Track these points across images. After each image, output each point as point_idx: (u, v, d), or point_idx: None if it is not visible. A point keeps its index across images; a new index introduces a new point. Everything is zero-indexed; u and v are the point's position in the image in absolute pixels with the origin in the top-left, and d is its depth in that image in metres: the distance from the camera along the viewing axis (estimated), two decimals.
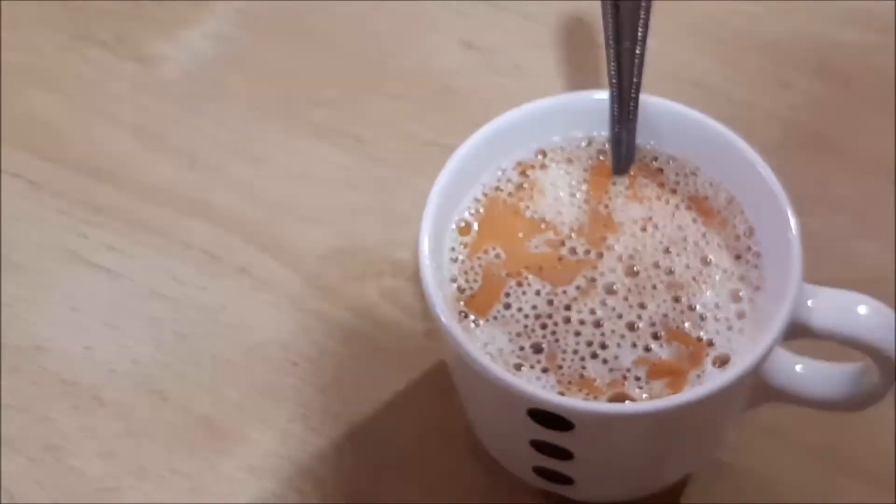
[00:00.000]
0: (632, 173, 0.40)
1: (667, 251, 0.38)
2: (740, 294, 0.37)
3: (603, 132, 0.41)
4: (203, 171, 0.53)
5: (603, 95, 0.41)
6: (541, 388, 0.35)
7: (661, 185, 0.40)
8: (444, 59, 0.56)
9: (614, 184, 0.40)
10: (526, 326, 0.37)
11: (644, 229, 0.39)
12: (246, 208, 0.52)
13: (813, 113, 0.52)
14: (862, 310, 0.35)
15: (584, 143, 0.41)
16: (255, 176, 0.53)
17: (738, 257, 0.38)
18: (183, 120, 0.55)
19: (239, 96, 0.56)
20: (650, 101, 0.40)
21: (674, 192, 0.40)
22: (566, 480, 0.39)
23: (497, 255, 0.39)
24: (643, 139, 0.41)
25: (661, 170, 0.40)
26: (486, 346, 0.37)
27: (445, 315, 0.36)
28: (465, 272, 0.38)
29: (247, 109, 0.55)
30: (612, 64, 0.41)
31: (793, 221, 0.36)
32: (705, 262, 0.38)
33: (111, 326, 0.49)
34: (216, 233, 0.51)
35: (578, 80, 0.55)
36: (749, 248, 0.38)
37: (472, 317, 0.37)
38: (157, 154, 0.54)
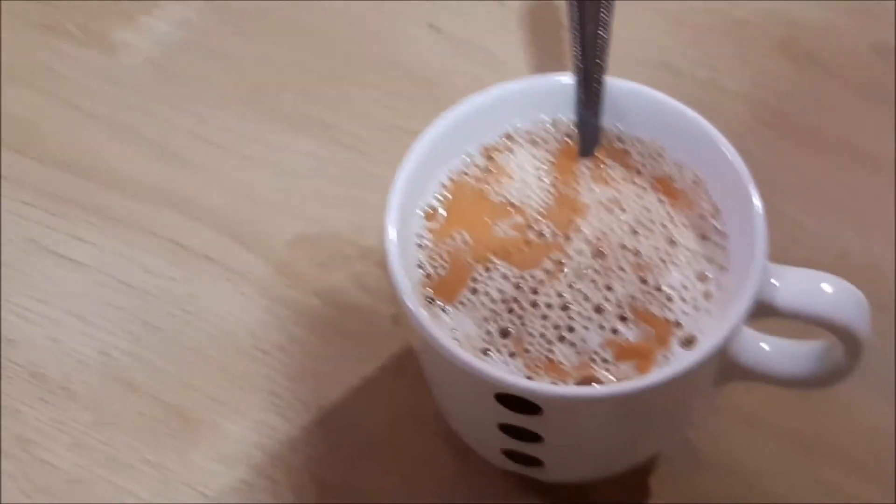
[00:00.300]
0: (598, 155, 0.40)
1: (634, 232, 0.38)
2: (707, 274, 0.37)
3: (569, 115, 0.41)
4: (170, 159, 0.53)
5: (568, 79, 0.41)
6: (508, 373, 0.35)
7: (627, 166, 0.40)
8: (412, 44, 0.56)
9: (581, 166, 0.40)
10: (493, 311, 0.37)
11: (610, 211, 0.39)
12: (214, 197, 0.52)
13: (779, 92, 0.53)
14: (826, 288, 0.35)
15: (550, 126, 0.41)
16: (222, 164, 0.53)
17: (704, 238, 0.38)
18: (150, 109, 0.55)
19: (206, 84, 0.56)
20: (615, 84, 0.40)
21: (640, 173, 0.40)
22: (536, 462, 0.39)
23: (464, 240, 0.39)
24: (609, 121, 0.41)
25: (627, 151, 0.40)
26: (453, 331, 0.37)
27: (412, 301, 0.36)
28: (432, 258, 0.38)
29: (214, 97, 0.55)
30: (577, 47, 0.41)
31: (757, 202, 0.36)
32: (672, 242, 0.38)
33: (79, 318, 0.49)
34: (184, 222, 0.51)
35: (547, 63, 0.55)
36: (715, 229, 0.38)
37: (439, 302, 0.37)
38: (124, 144, 0.54)
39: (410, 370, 0.43)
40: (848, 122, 0.52)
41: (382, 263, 0.47)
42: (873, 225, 0.49)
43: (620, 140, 0.41)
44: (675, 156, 0.40)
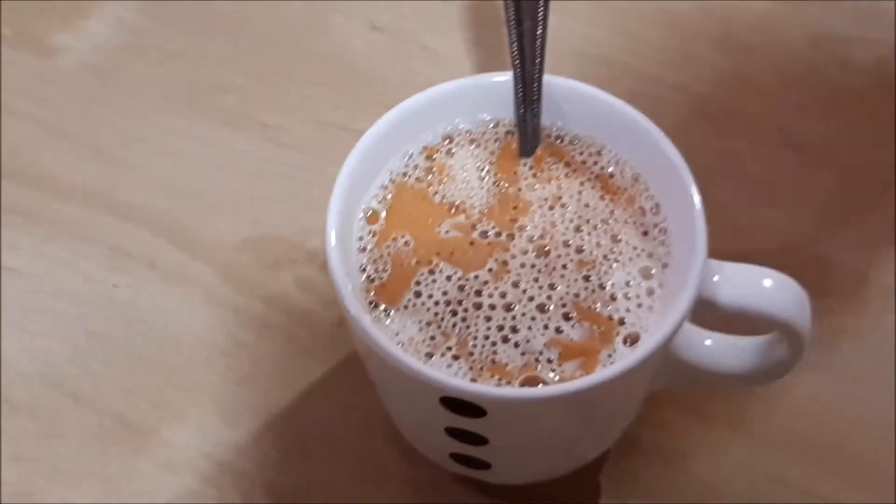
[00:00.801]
0: (538, 154, 0.40)
1: (577, 230, 0.38)
2: (651, 272, 0.37)
3: (509, 114, 0.41)
4: (109, 163, 0.52)
5: (507, 77, 0.40)
6: (452, 376, 0.35)
7: (568, 164, 0.40)
8: (352, 42, 0.56)
9: (522, 165, 0.40)
10: (436, 314, 0.37)
11: (552, 209, 0.39)
12: (154, 200, 0.51)
13: (718, 84, 0.53)
14: (767, 283, 0.35)
15: (490, 126, 0.41)
16: (162, 167, 0.52)
17: (645, 234, 0.38)
18: (87, 111, 0.54)
19: (143, 85, 0.55)
20: (554, 81, 0.40)
21: (580, 171, 0.40)
22: (483, 465, 0.39)
23: (406, 243, 0.38)
24: (549, 119, 0.40)
25: (567, 149, 0.40)
26: (397, 335, 0.36)
27: (354, 306, 0.35)
28: (374, 261, 0.38)
29: (152, 98, 0.54)
30: (514, 45, 0.40)
31: (696, 198, 0.36)
32: (615, 239, 0.38)
33: (20, 328, 0.48)
34: (124, 227, 0.50)
35: (488, 60, 0.55)
36: (656, 225, 0.38)
37: (382, 306, 0.37)
38: (61, 148, 0.53)
39: (358, 374, 0.43)
40: (787, 114, 0.52)
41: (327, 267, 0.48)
42: (814, 217, 0.49)
43: (560, 138, 0.40)
44: (615, 152, 0.40)
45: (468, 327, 0.36)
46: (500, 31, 0.55)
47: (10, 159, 0.52)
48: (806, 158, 0.51)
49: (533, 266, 0.37)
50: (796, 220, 0.49)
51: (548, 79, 0.40)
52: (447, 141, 0.40)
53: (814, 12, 0.55)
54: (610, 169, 0.40)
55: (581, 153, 0.40)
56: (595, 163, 0.40)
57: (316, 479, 0.44)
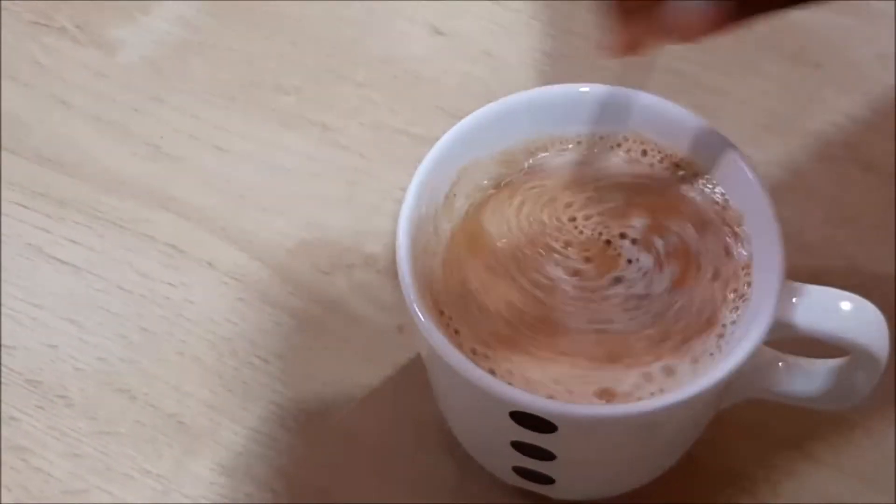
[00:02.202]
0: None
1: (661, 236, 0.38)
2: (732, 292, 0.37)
3: (591, 128, 0.40)
4: (166, 161, 0.52)
5: (590, 88, 0.40)
6: (525, 392, 0.34)
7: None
8: (412, 45, 0.55)
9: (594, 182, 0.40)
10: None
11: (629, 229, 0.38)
12: (211, 200, 0.51)
13: (785, 100, 0.52)
14: (846, 307, 0.35)
15: (570, 142, 0.40)
16: (219, 166, 0.52)
17: (727, 254, 0.37)
18: (145, 108, 0.54)
19: (202, 83, 0.55)
20: (637, 96, 0.40)
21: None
22: (547, 480, 0.39)
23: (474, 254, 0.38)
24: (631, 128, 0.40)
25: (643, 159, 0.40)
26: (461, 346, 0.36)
27: (423, 314, 0.35)
28: (442, 269, 0.37)
29: (210, 97, 0.54)
30: None
31: (776, 222, 0.36)
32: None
33: (75, 323, 0.48)
34: (181, 225, 0.50)
35: (550, 68, 0.54)
36: (739, 244, 0.38)
37: (448, 315, 0.36)
38: (119, 144, 0.53)
39: (414, 380, 0.43)
40: (855, 133, 0.51)
41: (385, 271, 0.47)
42: (882, 235, 0.49)
43: (644, 152, 0.40)
44: (702, 172, 0.39)
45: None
46: (562, 39, 0.55)
47: (67, 153, 0.52)
48: (874, 176, 0.50)
49: (608, 283, 0.37)
50: (864, 238, 0.48)
51: (632, 92, 0.40)
52: (524, 153, 0.40)
53: (884, 30, 0.54)
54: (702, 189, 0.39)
55: (660, 162, 0.39)
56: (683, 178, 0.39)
57: (369, 485, 0.44)
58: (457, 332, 0.36)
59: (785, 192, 0.49)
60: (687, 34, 0.34)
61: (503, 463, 0.39)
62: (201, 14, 0.57)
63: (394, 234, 0.36)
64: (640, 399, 0.34)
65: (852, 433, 0.44)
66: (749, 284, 0.36)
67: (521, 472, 0.39)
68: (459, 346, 0.35)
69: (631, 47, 0.35)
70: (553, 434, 0.34)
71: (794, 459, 0.44)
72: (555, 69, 0.54)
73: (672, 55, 0.51)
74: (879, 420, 0.44)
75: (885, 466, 0.44)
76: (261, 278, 0.49)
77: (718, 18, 0.34)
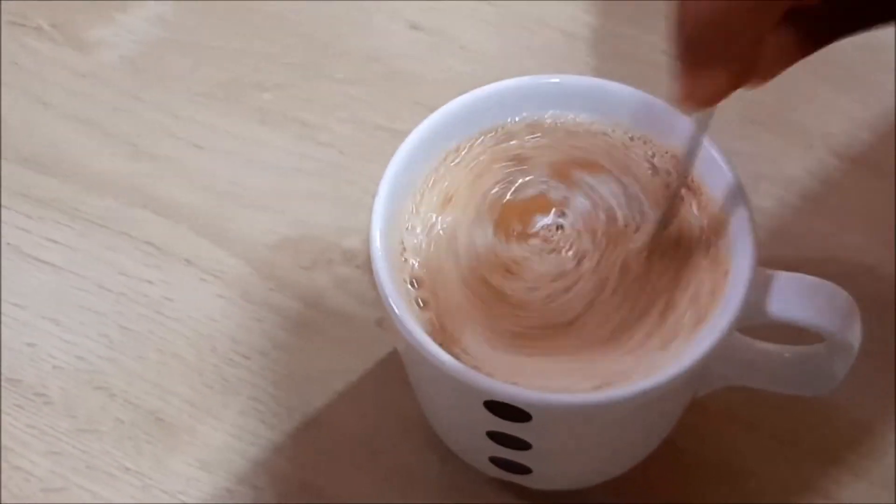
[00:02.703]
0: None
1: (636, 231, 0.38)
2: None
3: (559, 114, 0.40)
4: (146, 159, 0.52)
5: (558, 79, 0.40)
6: (497, 381, 0.34)
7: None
8: (391, 41, 0.56)
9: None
10: None
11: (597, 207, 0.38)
12: (191, 197, 0.51)
13: (765, 90, 0.52)
14: (818, 294, 0.35)
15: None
16: (199, 164, 0.52)
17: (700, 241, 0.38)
18: (124, 107, 0.54)
19: (181, 81, 0.55)
20: (609, 87, 0.40)
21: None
22: (524, 470, 0.39)
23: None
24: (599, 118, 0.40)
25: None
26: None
27: (399, 307, 0.35)
28: (418, 261, 0.37)
29: (189, 95, 0.54)
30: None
31: (749, 209, 0.36)
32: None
33: (55, 322, 0.48)
34: (161, 223, 0.50)
35: (528, 61, 0.54)
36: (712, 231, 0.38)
37: (424, 307, 0.37)
38: (98, 143, 0.53)
39: (395, 374, 0.43)
40: (834, 123, 0.51)
41: (366, 266, 0.47)
42: (861, 225, 0.49)
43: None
44: (670, 155, 0.39)
45: None
46: (539, 32, 0.55)
47: (46, 153, 0.52)
48: (853, 166, 0.50)
49: (584, 273, 0.37)
50: (843, 228, 0.48)
51: (607, 83, 0.40)
52: (495, 141, 0.40)
53: None
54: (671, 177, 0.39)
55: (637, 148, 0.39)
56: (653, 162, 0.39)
57: (351, 479, 0.44)
58: (432, 323, 0.36)
59: (762, 181, 0.49)
60: (765, 75, 0.33)
61: (480, 453, 0.39)
62: (179, 12, 0.57)
63: None
64: (611, 387, 0.34)
65: (836, 419, 0.44)
66: (722, 272, 0.36)
67: (498, 462, 0.39)
68: (434, 338, 0.35)
69: (707, 98, 0.32)
70: (527, 423, 0.34)
71: (775, 446, 0.44)
72: (533, 62, 0.54)
73: (653, 48, 0.51)
74: (861, 406, 0.44)
75: (867, 453, 0.44)
76: (241, 275, 0.49)
77: (793, 52, 0.32)
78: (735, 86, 0.32)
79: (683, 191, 0.38)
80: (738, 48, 0.31)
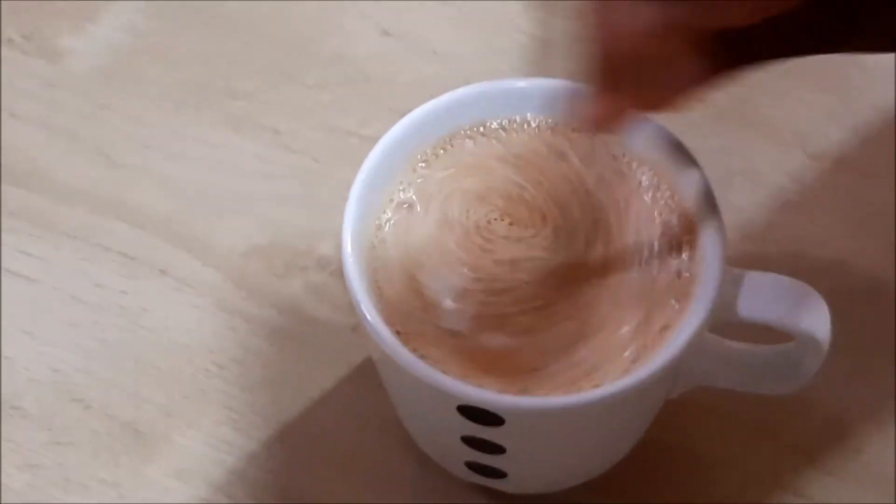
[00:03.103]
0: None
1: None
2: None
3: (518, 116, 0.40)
4: (118, 168, 0.52)
5: (525, 83, 0.40)
6: (470, 385, 0.34)
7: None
8: (362, 46, 0.56)
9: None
10: None
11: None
12: (164, 206, 0.51)
13: (734, 87, 0.52)
14: (788, 293, 0.35)
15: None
16: (172, 171, 0.52)
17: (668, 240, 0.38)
18: (96, 116, 0.54)
19: (152, 89, 0.54)
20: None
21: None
22: (499, 474, 0.39)
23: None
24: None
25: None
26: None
27: (371, 313, 0.35)
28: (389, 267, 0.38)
29: (161, 103, 0.54)
30: None
31: (716, 208, 0.36)
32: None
33: (29, 334, 0.47)
34: (134, 233, 0.50)
35: (499, 64, 0.54)
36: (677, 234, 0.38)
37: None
38: (70, 153, 0.52)
39: (370, 380, 0.43)
40: (803, 120, 0.52)
41: (339, 273, 0.47)
42: (830, 221, 0.49)
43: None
44: (636, 156, 0.39)
45: None
46: (510, 36, 0.55)
47: (17, 164, 0.52)
48: (822, 163, 0.51)
49: (551, 274, 0.37)
50: (812, 224, 0.49)
51: (574, 85, 0.40)
52: (464, 146, 0.40)
53: None
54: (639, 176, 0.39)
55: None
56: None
57: (328, 487, 0.44)
58: (405, 329, 0.36)
59: (732, 178, 0.50)
60: (672, 101, 0.33)
61: (456, 458, 0.39)
62: (150, 20, 0.57)
63: None
64: (582, 390, 0.34)
65: (810, 415, 0.45)
66: (690, 271, 0.36)
67: (473, 466, 0.39)
68: (407, 344, 0.36)
69: (610, 120, 0.33)
70: (501, 427, 0.35)
71: (753, 443, 0.44)
72: (504, 65, 0.54)
73: None
74: (835, 401, 0.45)
75: (840, 449, 0.44)
76: (215, 284, 0.49)
77: (705, 79, 0.32)
78: (646, 110, 0.33)
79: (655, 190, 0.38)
80: (650, 76, 0.31)
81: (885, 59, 0.53)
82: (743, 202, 0.49)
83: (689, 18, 0.29)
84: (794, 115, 0.52)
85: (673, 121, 0.38)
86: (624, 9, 0.30)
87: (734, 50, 0.32)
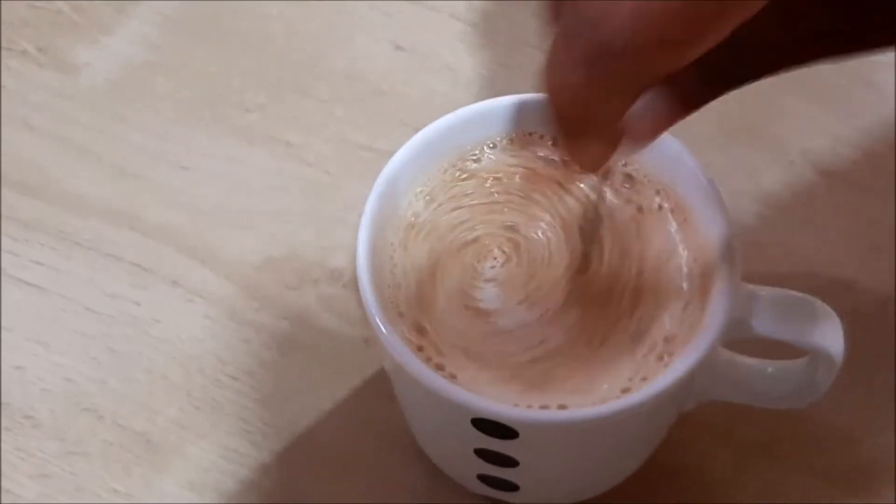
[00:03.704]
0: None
1: (622, 255, 0.38)
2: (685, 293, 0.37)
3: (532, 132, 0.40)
4: (131, 180, 0.52)
5: (537, 97, 0.40)
6: (484, 398, 0.35)
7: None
8: (374, 60, 0.56)
9: (555, 184, 0.40)
10: None
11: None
12: (177, 218, 0.51)
13: (743, 105, 0.53)
14: (800, 309, 0.35)
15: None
16: (184, 184, 0.52)
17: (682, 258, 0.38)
18: (109, 129, 0.54)
19: (166, 103, 0.55)
20: None
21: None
22: (511, 487, 0.39)
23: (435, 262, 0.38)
24: None
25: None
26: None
27: (386, 326, 0.35)
28: (404, 280, 0.38)
29: (174, 116, 0.54)
30: None
31: (729, 227, 0.36)
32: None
33: (42, 344, 0.48)
34: (147, 244, 0.50)
35: (511, 81, 0.55)
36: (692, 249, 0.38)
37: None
38: (83, 165, 0.53)
39: (382, 392, 0.43)
40: (812, 138, 0.52)
41: (350, 284, 0.48)
42: (839, 239, 0.49)
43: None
44: (648, 174, 0.39)
45: None
46: (522, 52, 0.55)
47: (31, 175, 0.52)
48: (832, 180, 0.51)
49: (568, 291, 0.37)
50: (822, 241, 0.49)
51: None
52: (478, 160, 0.40)
53: None
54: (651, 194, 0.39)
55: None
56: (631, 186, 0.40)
57: (340, 497, 0.44)
58: (420, 341, 0.36)
59: (744, 197, 0.50)
60: (642, 139, 0.34)
61: (468, 471, 0.39)
62: (164, 34, 0.57)
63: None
64: (595, 404, 0.34)
65: (818, 432, 0.45)
66: (705, 288, 0.36)
67: (486, 479, 0.39)
68: (422, 356, 0.36)
69: (591, 165, 0.34)
70: (515, 440, 0.35)
71: (762, 460, 0.44)
72: (518, 82, 0.54)
73: None
74: (845, 420, 0.45)
75: (852, 466, 0.44)
76: (227, 295, 0.49)
77: (671, 115, 0.33)
78: (613, 150, 0.33)
79: (665, 209, 0.38)
80: (602, 124, 0.31)
81: (892, 76, 0.53)
82: (751, 220, 0.49)
83: (618, 76, 0.29)
84: (803, 133, 0.52)
85: (680, 139, 0.39)
86: (559, 68, 0.30)
87: (688, 87, 0.33)
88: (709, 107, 0.51)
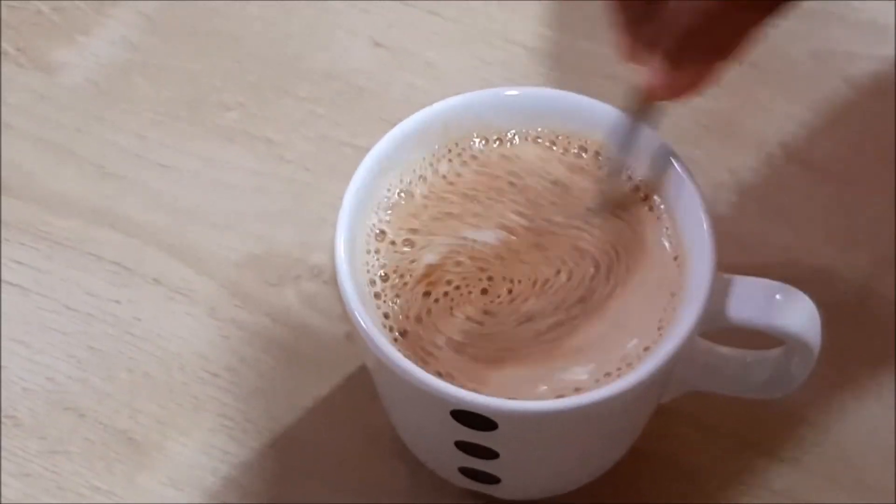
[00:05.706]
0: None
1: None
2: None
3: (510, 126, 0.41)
4: (111, 180, 0.52)
5: (517, 91, 0.40)
6: (464, 389, 0.35)
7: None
8: (354, 58, 0.56)
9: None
10: None
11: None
12: (157, 217, 0.51)
13: (721, 99, 0.53)
14: (779, 298, 0.36)
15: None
16: (165, 183, 0.52)
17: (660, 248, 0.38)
18: (89, 128, 0.54)
19: (145, 102, 0.55)
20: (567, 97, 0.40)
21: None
22: (492, 479, 0.39)
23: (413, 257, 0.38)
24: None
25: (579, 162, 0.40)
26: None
27: (365, 319, 0.35)
28: (382, 274, 0.38)
29: (154, 115, 0.54)
30: None
31: (707, 217, 0.37)
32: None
33: (23, 344, 0.48)
34: (128, 243, 0.50)
35: (490, 76, 0.55)
36: (668, 239, 0.38)
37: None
38: (64, 165, 0.53)
39: (363, 388, 0.43)
40: (791, 131, 0.52)
41: (331, 281, 0.47)
42: (818, 230, 0.50)
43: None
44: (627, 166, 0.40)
45: None
46: (501, 48, 0.56)
47: (11, 175, 0.52)
48: (810, 173, 0.51)
49: (546, 282, 0.37)
50: (800, 234, 0.49)
51: (563, 94, 0.40)
52: (456, 155, 0.40)
53: (816, 28, 0.55)
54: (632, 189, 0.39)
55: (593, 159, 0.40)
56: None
57: (322, 494, 0.44)
58: (398, 334, 0.36)
59: (721, 189, 0.50)
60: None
61: (449, 464, 0.40)
62: (143, 34, 0.57)
63: None
64: (575, 395, 0.35)
65: (795, 423, 0.45)
66: (683, 278, 0.37)
67: (467, 472, 0.39)
68: (401, 348, 0.36)
69: (686, 87, 0.36)
70: (494, 432, 0.35)
71: (740, 450, 0.45)
72: (495, 77, 0.55)
73: (609, 60, 0.52)
74: (822, 411, 0.45)
75: (828, 456, 0.44)
76: (208, 293, 0.49)
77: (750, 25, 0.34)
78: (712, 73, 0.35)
79: (641, 197, 0.39)
80: (727, 40, 0.34)
81: (871, 71, 0.53)
82: (730, 212, 0.50)
83: None
84: (781, 127, 0.53)
85: (661, 132, 0.39)
86: None
87: None
88: (687, 102, 0.52)
